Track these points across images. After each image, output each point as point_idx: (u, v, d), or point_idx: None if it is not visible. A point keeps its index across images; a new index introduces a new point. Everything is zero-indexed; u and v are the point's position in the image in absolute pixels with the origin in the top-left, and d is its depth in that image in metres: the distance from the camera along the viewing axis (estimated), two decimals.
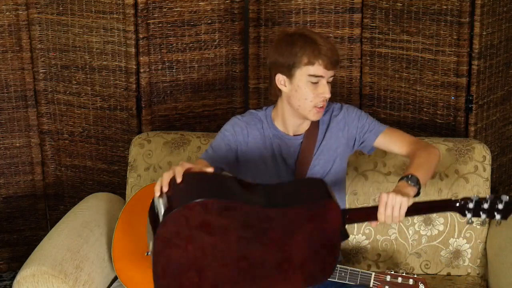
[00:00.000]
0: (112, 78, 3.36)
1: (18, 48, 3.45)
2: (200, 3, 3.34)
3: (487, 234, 2.86)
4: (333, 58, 2.42)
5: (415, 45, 3.26)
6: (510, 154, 3.46)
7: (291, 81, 2.46)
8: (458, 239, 2.85)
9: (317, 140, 2.58)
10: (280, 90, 2.51)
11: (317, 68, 2.42)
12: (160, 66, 3.34)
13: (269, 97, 2.55)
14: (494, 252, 2.77)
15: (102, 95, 3.41)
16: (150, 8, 3.25)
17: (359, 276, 2.46)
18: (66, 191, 3.60)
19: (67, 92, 3.47)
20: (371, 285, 2.44)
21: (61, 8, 3.37)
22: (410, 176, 2.26)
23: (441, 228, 2.85)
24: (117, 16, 3.27)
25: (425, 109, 3.30)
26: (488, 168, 2.87)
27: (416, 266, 2.87)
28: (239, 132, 2.58)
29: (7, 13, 3.41)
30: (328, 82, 2.45)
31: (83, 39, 3.37)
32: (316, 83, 2.43)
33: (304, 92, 2.45)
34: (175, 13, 3.31)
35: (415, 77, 3.29)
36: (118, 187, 3.41)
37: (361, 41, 3.40)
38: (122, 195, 3.10)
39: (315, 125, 2.58)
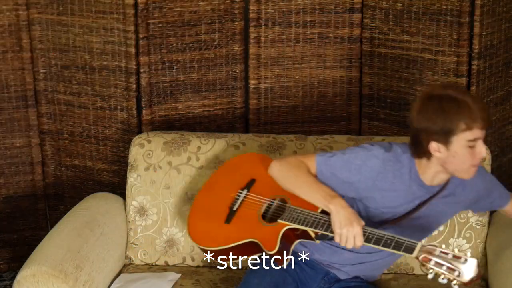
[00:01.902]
0: (112, 78, 3.36)
1: (18, 48, 3.45)
2: (200, 3, 3.34)
3: (487, 234, 2.86)
4: (488, 118, 2.37)
5: (415, 45, 3.26)
6: (510, 154, 3.46)
7: (448, 147, 2.38)
8: (458, 239, 2.84)
9: (445, 192, 2.54)
10: (431, 154, 2.44)
11: (475, 132, 2.35)
12: (160, 66, 3.34)
13: (413, 155, 2.50)
14: (494, 252, 2.76)
15: (102, 95, 3.41)
16: (150, 8, 3.25)
17: (404, 245, 2.34)
18: (66, 191, 3.60)
19: (67, 92, 3.47)
20: (413, 255, 2.31)
21: (61, 8, 3.37)
22: None
23: (441, 228, 2.84)
24: (117, 16, 3.27)
25: None
26: (488, 168, 2.87)
27: (416, 266, 2.86)
28: (375, 170, 2.52)
29: (7, 13, 3.41)
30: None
31: (83, 39, 3.37)
32: (472, 147, 2.37)
33: (462, 157, 2.38)
34: (175, 13, 3.31)
35: (415, 77, 3.29)
36: (118, 187, 3.41)
37: (361, 41, 3.40)
38: (122, 195, 3.10)
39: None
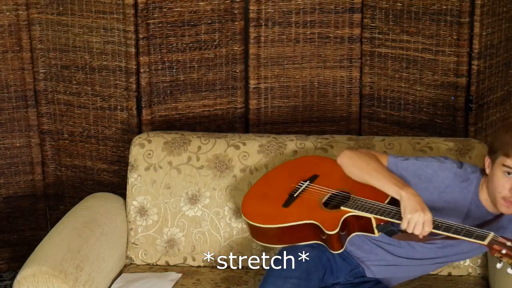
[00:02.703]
0: (112, 78, 3.36)
1: (18, 48, 3.45)
2: (200, 3, 3.34)
3: None
4: None
5: (415, 45, 3.26)
6: None
7: (492, 166, 2.43)
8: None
9: (497, 223, 2.52)
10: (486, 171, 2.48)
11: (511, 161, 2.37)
12: (160, 66, 3.34)
13: (481, 171, 2.55)
14: None
15: (102, 95, 3.40)
16: (150, 8, 3.25)
17: (476, 233, 2.32)
18: (66, 191, 3.60)
19: (67, 92, 3.47)
20: (485, 243, 2.29)
21: (61, 8, 3.37)
22: None
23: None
24: (117, 16, 3.27)
25: (425, 109, 3.30)
26: None
27: None
28: (444, 183, 2.54)
29: (7, 13, 3.41)
30: None
31: (83, 39, 3.36)
32: (510, 175, 2.38)
33: (496, 180, 2.41)
34: (175, 13, 3.31)
35: (415, 77, 3.29)
36: (118, 187, 3.41)
37: (361, 41, 3.40)
38: (122, 195, 3.10)
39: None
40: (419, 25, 3.23)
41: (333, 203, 2.60)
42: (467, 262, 2.85)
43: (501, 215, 2.50)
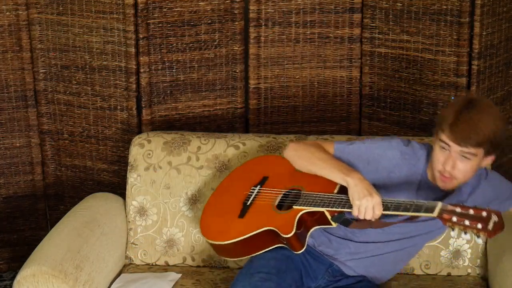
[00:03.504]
0: (112, 78, 3.36)
1: (18, 48, 3.45)
2: (200, 3, 3.34)
3: None
4: (462, 136, 2.38)
5: (415, 45, 3.26)
6: (510, 154, 3.46)
7: (436, 139, 2.47)
8: (458, 239, 2.84)
9: (452, 198, 2.54)
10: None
11: (446, 136, 2.40)
12: (160, 66, 3.34)
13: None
14: (495, 252, 2.76)
15: (102, 95, 3.40)
16: (150, 8, 3.25)
17: (424, 206, 2.34)
18: (66, 191, 3.60)
19: (67, 92, 3.47)
20: (435, 214, 2.29)
21: (61, 8, 3.37)
22: None
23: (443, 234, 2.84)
24: (117, 16, 3.27)
25: (425, 109, 3.30)
26: (488, 168, 2.87)
27: (416, 266, 2.86)
28: (392, 163, 2.56)
29: (7, 13, 3.41)
30: (463, 157, 2.40)
31: (83, 39, 3.37)
32: (445, 150, 2.42)
33: (434, 155, 2.46)
34: (175, 13, 3.31)
35: (415, 77, 3.29)
36: (118, 187, 3.41)
37: (361, 41, 3.40)
38: (122, 195, 3.10)
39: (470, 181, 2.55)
40: (419, 25, 3.23)
41: (286, 203, 2.59)
42: (466, 262, 2.85)
43: (453, 190, 2.52)
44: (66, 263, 2.58)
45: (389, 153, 2.57)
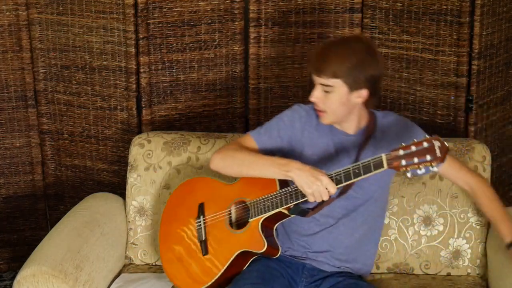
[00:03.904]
0: (112, 78, 3.36)
1: (18, 48, 3.45)
2: (200, 3, 3.34)
3: (487, 234, 2.86)
4: (317, 65, 2.47)
5: (415, 45, 3.26)
6: (510, 154, 3.46)
7: None
8: (458, 239, 2.84)
9: (374, 146, 2.59)
10: None
11: (313, 75, 2.51)
12: (160, 66, 3.34)
13: None
14: (494, 252, 2.76)
15: (102, 95, 3.41)
16: (150, 8, 3.25)
17: (372, 164, 2.37)
18: (66, 191, 3.60)
19: (67, 92, 3.47)
20: (385, 167, 2.34)
21: (61, 8, 3.37)
22: None
23: (440, 228, 2.85)
24: (117, 16, 3.27)
25: (425, 109, 3.30)
26: (488, 169, 2.87)
27: (416, 267, 2.86)
28: (297, 120, 2.63)
29: (7, 13, 3.41)
30: (325, 91, 2.48)
31: (83, 39, 3.37)
32: (316, 86, 2.51)
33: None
34: (175, 13, 3.31)
35: (415, 77, 3.29)
36: (118, 187, 3.41)
37: None
38: (122, 195, 3.10)
39: (369, 124, 2.61)
40: (419, 25, 3.23)
41: (239, 220, 2.61)
42: (466, 262, 2.85)
43: (366, 132, 2.58)
44: (66, 263, 2.58)
45: (296, 114, 2.63)
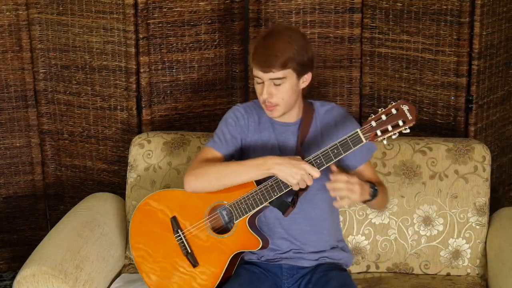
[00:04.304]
0: (112, 78, 3.36)
1: (18, 48, 3.45)
2: (200, 3, 3.34)
3: (487, 234, 2.86)
4: (264, 61, 2.48)
5: (415, 45, 3.25)
6: (510, 154, 3.46)
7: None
8: (458, 239, 2.85)
9: (311, 126, 2.64)
10: None
11: (254, 70, 2.52)
12: (160, 66, 3.34)
13: None
14: (494, 252, 2.77)
15: (102, 95, 3.41)
16: (150, 8, 3.25)
17: (349, 141, 2.42)
18: (66, 191, 3.60)
19: (67, 92, 3.47)
20: (364, 140, 2.40)
21: (61, 8, 3.37)
22: (375, 188, 2.52)
23: (440, 228, 2.85)
24: (117, 16, 3.27)
25: (425, 109, 3.30)
26: (488, 168, 2.87)
27: (416, 266, 2.87)
28: (240, 118, 2.65)
29: (7, 13, 3.41)
30: (276, 85, 2.50)
31: (83, 39, 3.37)
32: (259, 83, 2.53)
33: (256, 90, 2.57)
34: (175, 13, 3.31)
35: (415, 77, 3.29)
36: (118, 187, 3.41)
37: (361, 41, 3.40)
38: (122, 195, 3.10)
39: (306, 113, 2.63)
40: (419, 25, 3.23)
41: (223, 227, 2.61)
42: (466, 262, 2.85)
43: (306, 119, 2.62)
44: (66, 263, 2.58)
45: (237, 113, 2.67)
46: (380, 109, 2.40)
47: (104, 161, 3.48)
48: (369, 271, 2.89)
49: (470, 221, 2.84)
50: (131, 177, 3.01)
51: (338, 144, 2.42)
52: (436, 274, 2.86)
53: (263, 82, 2.51)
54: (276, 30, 2.56)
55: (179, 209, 2.66)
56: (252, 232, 2.54)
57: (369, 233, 2.88)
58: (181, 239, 2.63)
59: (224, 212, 2.60)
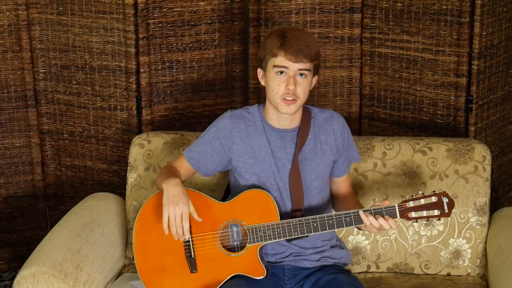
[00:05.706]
0: (112, 78, 3.36)
1: (18, 48, 3.45)
2: (200, 3, 3.34)
3: (487, 234, 2.86)
4: (296, 50, 2.46)
5: (415, 45, 3.26)
6: (510, 154, 3.46)
7: (265, 74, 2.55)
8: (458, 239, 2.85)
9: (310, 133, 2.63)
10: (264, 88, 2.59)
11: (280, 59, 2.48)
12: (160, 66, 3.34)
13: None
14: (494, 252, 2.77)
15: (102, 95, 3.41)
16: (150, 8, 3.25)
17: (384, 211, 2.45)
18: (66, 191, 3.60)
19: (67, 92, 3.47)
20: (398, 217, 2.44)
21: (61, 8, 3.37)
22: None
23: (440, 228, 2.85)
24: (117, 16, 3.27)
25: (425, 109, 3.30)
26: (488, 168, 2.87)
27: (416, 266, 2.87)
28: (222, 129, 2.64)
29: (7, 13, 3.41)
30: (301, 75, 2.49)
31: (83, 39, 3.37)
32: (282, 74, 2.49)
33: (272, 83, 2.51)
34: (175, 13, 3.31)
35: (415, 77, 3.29)
36: (118, 187, 3.41)
37: (361, 41, 3.40)
38: (122, 195, 3.10)
39: (305, 120, 2.62)
40: (419, 25, 3.23)
41: (233, 245, 2.58)
42: (466, 262, 2.85)
43: (305, 126, 2.61)
44: (66, 263, 2.58)
45: (220, 124, 2.65)
46: (421, 192, 2.46)
47: (104, 161, 3.48)
48: (369, 271, 2.89)
49: (470, 221, 2.84)
50: (131, 177, 3.01)
51: (372, 210, 2.46)
52: (436, 274, 2.86)
53: (286, 74, 2.49)
54: (296, 28, 2.58)
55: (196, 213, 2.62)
56: (260, 260, 2.53)
57: (369, 233, 2.87)
58: (188, 242, 2.59)
59: (238, 231, 2.58)
